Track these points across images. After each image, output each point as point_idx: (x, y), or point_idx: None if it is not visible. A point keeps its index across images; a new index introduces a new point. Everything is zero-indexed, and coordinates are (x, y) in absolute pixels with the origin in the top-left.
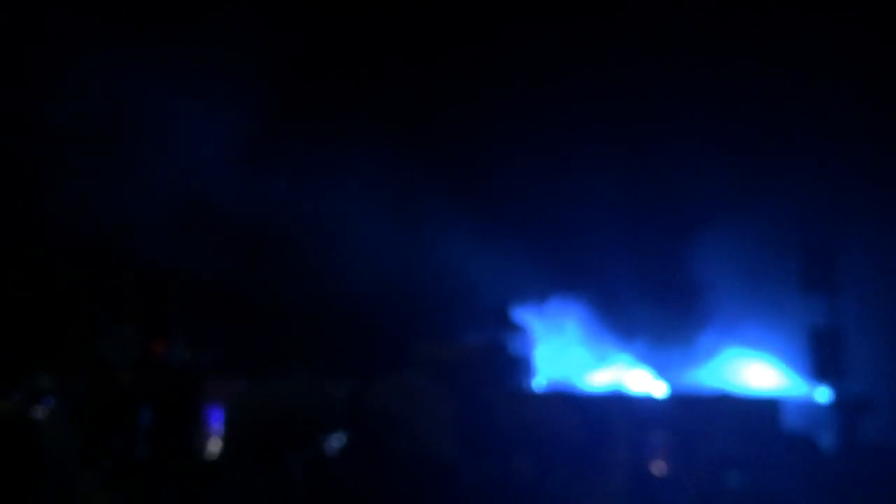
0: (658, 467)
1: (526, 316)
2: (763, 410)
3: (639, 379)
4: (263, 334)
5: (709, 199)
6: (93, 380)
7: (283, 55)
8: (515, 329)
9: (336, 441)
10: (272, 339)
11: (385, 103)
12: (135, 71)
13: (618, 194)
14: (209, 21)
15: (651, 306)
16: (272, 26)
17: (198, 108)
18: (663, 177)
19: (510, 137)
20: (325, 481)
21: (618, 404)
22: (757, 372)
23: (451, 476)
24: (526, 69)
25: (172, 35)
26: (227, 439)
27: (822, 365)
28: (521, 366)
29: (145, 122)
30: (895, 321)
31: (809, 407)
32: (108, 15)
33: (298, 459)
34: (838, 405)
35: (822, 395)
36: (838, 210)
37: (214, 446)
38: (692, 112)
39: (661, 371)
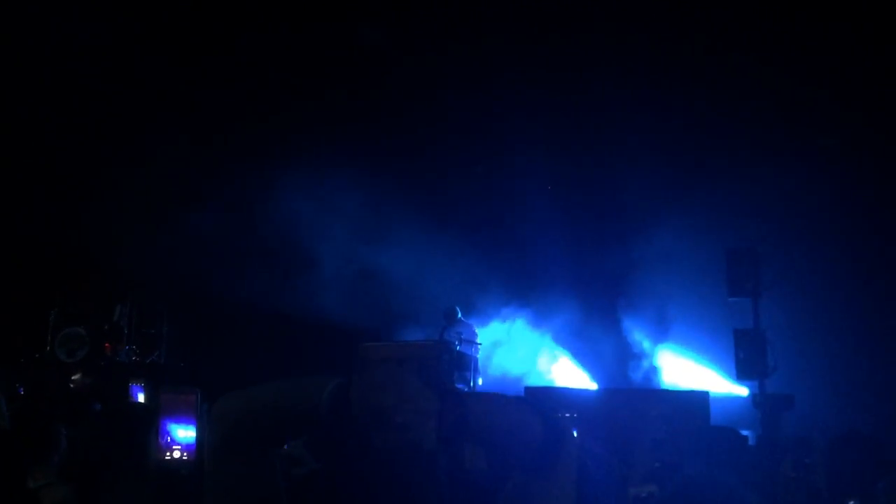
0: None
1: (471, 316)
2: (692, 403)
3: (576, 376)
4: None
5: (642, 208)
6: (42, 377)
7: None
8: (460, 328)
9: (318, 436)
10: (222, 345)
11: (341, 111)
12: None
13: (557, 202)
14: None
15: (586, 307)
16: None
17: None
18: (600, 184)
19: (462, 143)
20: (309, 478)
21: (557, 396)
22: (686, 370)
23: (431, 463)
24: (478, 78)
25: None
26: (214, 439)
27: (745, 363)
28: (465, 363)
29: None
30: (813, 323)
31: (734, 402)
32: None
33: (282, 456)
34: (760, 401)
35: (746, 391)
36: (761, 218)
37: (172, 450)
38: (626, 122)
39: (596, 369)
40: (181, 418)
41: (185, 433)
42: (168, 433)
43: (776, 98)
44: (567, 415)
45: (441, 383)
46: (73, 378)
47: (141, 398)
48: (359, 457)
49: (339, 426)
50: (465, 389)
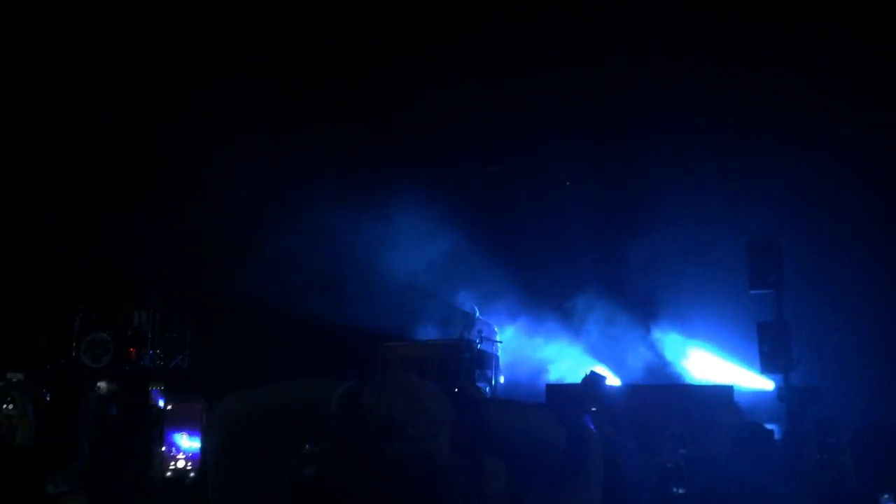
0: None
1: (491, 315)
2: (716, 397)
3: (600, 373)
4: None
5: (663, 202)
6: (68, 383)
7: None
8: (480, 327)
9: (328, 442)
10: (244, 346)
11: (360, 108)
12: None
13: (577, 197)
14: None
15: (608, 302)
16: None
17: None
18: (621, 179)
19: (479, 141)
20: (316, 484)
21: (579, 393)
22: (710, 365)
23: (444, 478)
24: (492, 75)
25: None
26: (217, 441)
27: (769, 357)
28: (486, 361)
29: None
30: (837, 315)
31: (761, 396)
32: None
33: (289, 461)
34: (785, 394)
35: (772, 384)
36: (782, 210)
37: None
38: (644, 115)
39: (620, 365)
40: (186, 427)
41: (190, 443)
42: (173, 443)
43: (798, 88)
44: (593, 409)
45: (459, 389)
46: (98, 384)
47: (161, 403)
48: (368, 467)
49: (349, 433)
50: (487, 388)
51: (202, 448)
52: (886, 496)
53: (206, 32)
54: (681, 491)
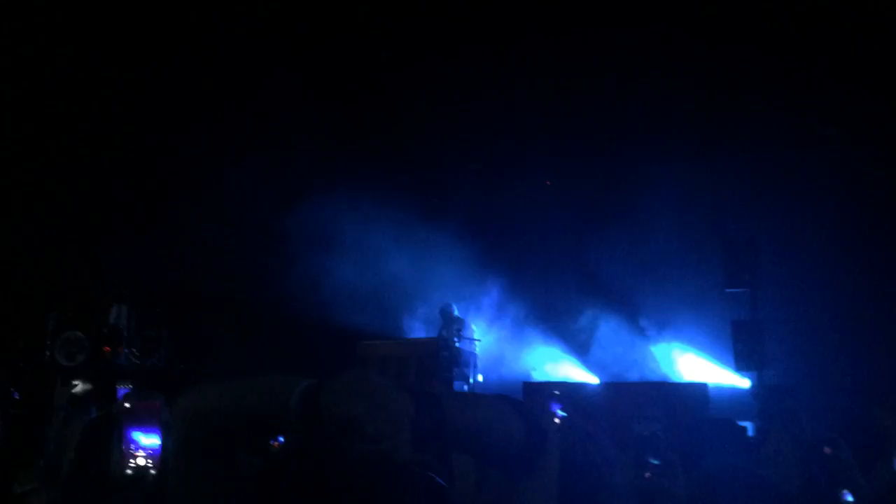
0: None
1: (468, 313)
2: (691, 395)
3: (575, 372)
4: (214, 340)
5: (639, 201)
6: (39, 381)
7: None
8: (458, 325)
9: (289, 440)
10: (222, 344)
11: (339, 105)
12: None
13: (554, 196)
14: None
15: (584, 301)
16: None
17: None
18: (597, 178)
19: (458, 139)
20: (277, 481)
21: (557, 390)
22: (685, 363)
23: (405, 475)
24: (475, 73)
25: None
26: (178, 436)
27: (743, 355)
28: (464, 359)
29: None
30: (810, 314)
31: (734, 393)
32: None
33: (250, 459)
34: (759, 392)
35: (745, 383)
36: (759, 211)
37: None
38: (622, 114)
39: (596, 363)
40: (145, 424)
41: (149, 440)
42: (132, 440)
43: (774, 88)
44: (560, 412)
45: (416, 385)
46: (73, 382)
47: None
48: (328, 466)
49: (308, 432)
50: (465, 387)
51: (162, 444)
52: (845, 491)
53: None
54: (656, 462)
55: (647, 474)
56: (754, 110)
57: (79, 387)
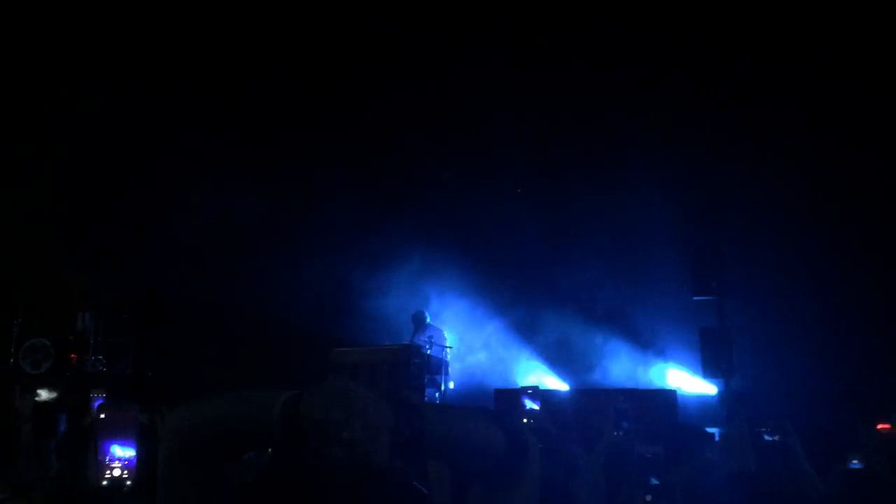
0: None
1: (441, 321)
2: (660, 401)
3: (545, 379)
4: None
5: (609, 210)
6: (6, 390)
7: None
8: (430, 332)
9: (272, 452)
10: (191, 351)
11: (310, 111)
12: None
13: (525, 204)
14: None
15: (555, 309)
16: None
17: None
18: (568, 185)
19: (433, 146)
20: (261, 492)
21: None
22: (654, 370)
23: (381, 481)
24: (450, 79)
25: None
26: (166, 449)
27: (711, 362)
28: (435, 366)
29: None
30: (776, 321)
31: (702, 400)
32: None
33: (236, 470)
34: (726, 398)
35: (713, 389)
36: (726, 220)
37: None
38: (591, 124)
39: (566, 370)
40: (121, 435)
41: (125, 451)
42: (107, 451)
43: (739, 99)
44: (526, 420)
45: (403, 397)
46: (38, 391)
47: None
48: (307, 473)
49: (289, 441)
50: (436, 393)
51: (138, 456)
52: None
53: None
54: (656, 482)
55: (648, 497)
56: (722, 120)
57: (44, 395)
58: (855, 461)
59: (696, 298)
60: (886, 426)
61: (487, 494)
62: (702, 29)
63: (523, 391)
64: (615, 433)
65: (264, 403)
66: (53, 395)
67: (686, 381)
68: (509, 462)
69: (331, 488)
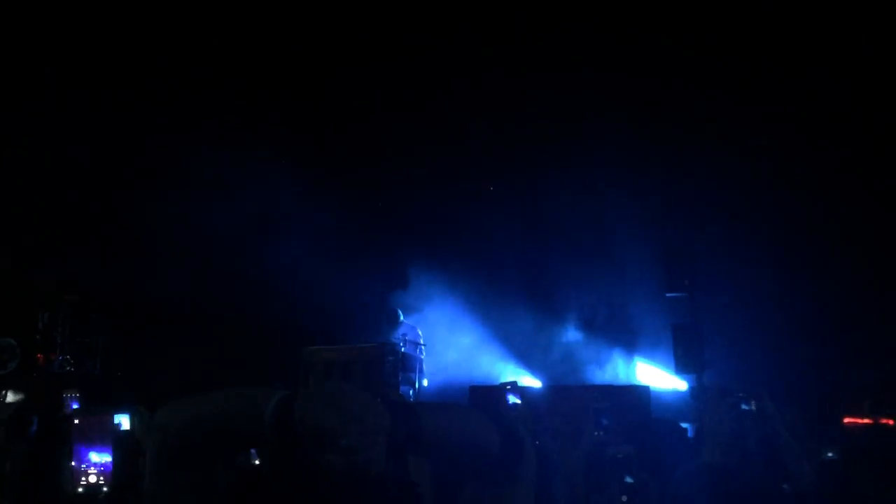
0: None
1: (415, 318)
2: (634, 397)
3: (521, 378)
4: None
5: (582, 208)
6: None
7: None
8: (404, 330)
9: (262, 453)
10: (163, 351)
11: (283, 110)
12: None
13: (498, 201)
14: None
15: (528, 305)
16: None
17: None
18: (540, 184)
19: (410, 145)
20: (252, 494)
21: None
22: (628, 367)
23: (379, 487)
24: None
25: None
26: (153, 451)
27: (683, 358)
28: (410, 364)
29: None
30: (747, 317)
31: (674, 396)
32: None
33: (225, 471)
34: (698, 393)
35: (685, 385)
36: (698, 219)
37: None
38: (565, 124)
39: (540, 367)
40: (96, 440)
41: (100, 457)
42: (83, 457)
43: (710, 96)
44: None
45: (392, 395)
46: (3, 392)
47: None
48: (302, 478)
49: (283, 443)
50: (410, 391)
51: (114, 463)
52: (785, 486)
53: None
54: (630, 480)
55: (624, 498)
56: (690, 118)
57: (9, 396)
58: (830, 454)
59: (668, 295)
60: (855, 419)
61: (482, 493)
62: (672, 27)
63: (503, 387)
64: (596, 433)
65: (256, 403)
66: (19, 395)
67: (659, 376)
68: (504, 461)
69: (326, 493)
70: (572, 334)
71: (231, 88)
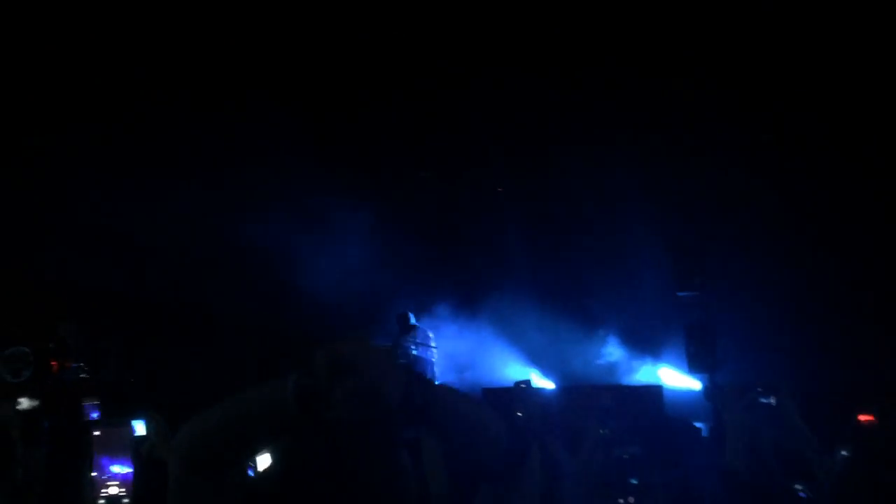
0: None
1: (425, 320)
2: (646, 397)
3: (534, 377)
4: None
5: (592, 206)
6: None
7: None
8: (415, 334)
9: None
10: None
11: (290, 111)
12: None
13: (508, 201)
14: None
15: (540, 306)
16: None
17: None
18: (551, 184)
19: (414, 148)
20: (286, 484)
21: (516, 397)
22: (640, 366)
23: (390, 440)
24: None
25: None
26: (175, 461)
27: (696, 357)
28: (421, 368)
29: None
30: (759, 316)
31: (686, 395)
32: None
33: (243, 477)
34: (711, 393)
35: (698, 384)
36: (709, 215)
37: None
38: (572, 122)
39: (551, 370)
40: (116, 451)
41: (120, 468)
42: (104, 468)
43: (722, 94)
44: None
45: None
46: (20, 399)
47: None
48: (324, 450)
49: (305, 418)
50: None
51: (134, 473)
52: (799, 487)
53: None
54: (635, 482)
55: (631, 499)
56: (703, 115)
57: (25, 403)
58: (844, 452)
59: (680, 294)
60: (868, 417)
61: (491, 491)
62: (683, 30)
63: (517, 386)
64: (601, 431)
65: (276, 385)
66: (35, 402)
67: (671, 376)
68: (512, 458)
69: (343, 459)
70: (584, 334)
71: (233, 91)
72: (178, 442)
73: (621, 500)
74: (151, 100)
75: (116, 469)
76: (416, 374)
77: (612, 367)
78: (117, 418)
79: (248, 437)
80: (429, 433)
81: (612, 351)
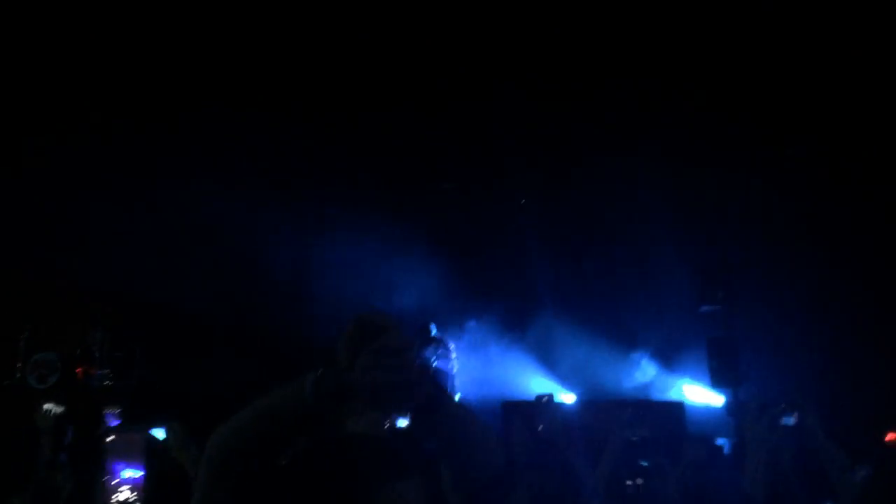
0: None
1: (446, 331)
2: (667, 413)
3: (555, 390)
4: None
5: (616, 219)
6: (14, 405)
7: None
8: (436, 346)
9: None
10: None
11: (307, 122)
12: None
13: (531, 215)
14: None
15: (562, 319)
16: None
17: None
18: (575, 196)
19: (436, 160)
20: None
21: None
22: (663, 381)
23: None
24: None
25: None
26: (205, 469)
27: (718, 372)
28: (441, 379)
29: None
30: (783, 330)
31: (709, 411)
32: None
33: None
34: (734, 409)
35: (721, 399)
36: (732, 229)
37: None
38: (597, 135)
39: (573, 384)
40: (129, 457)
41: (132, 473)
42: (116, 473)
43: (745, 105)
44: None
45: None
46: (44, 406)
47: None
48: (337, 441)
49: (323, 409)
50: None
51: (145, 478)
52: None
53: None
54: (645, 463)
55: (640, 480)
56: (726, 127)
57: (50, 409)
58: (864, 471)
59: (703, 308)
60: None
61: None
62: (711, 48)
63: (539, 400)
64: (633, 439)
65: (296, 387)
66: (60, 409)
67: (693, 391)
68: (503, 480)
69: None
70: (606, 348)
71: (249, 92)
72: (209, 451)
73: (630, 482)
74: (188, 107)
75: (128, 474)
76: (436, 383)
77: (633, 383)
78: (132, 425)
79: (272, 436)
80: (438, 440)
81: (647, 370)
